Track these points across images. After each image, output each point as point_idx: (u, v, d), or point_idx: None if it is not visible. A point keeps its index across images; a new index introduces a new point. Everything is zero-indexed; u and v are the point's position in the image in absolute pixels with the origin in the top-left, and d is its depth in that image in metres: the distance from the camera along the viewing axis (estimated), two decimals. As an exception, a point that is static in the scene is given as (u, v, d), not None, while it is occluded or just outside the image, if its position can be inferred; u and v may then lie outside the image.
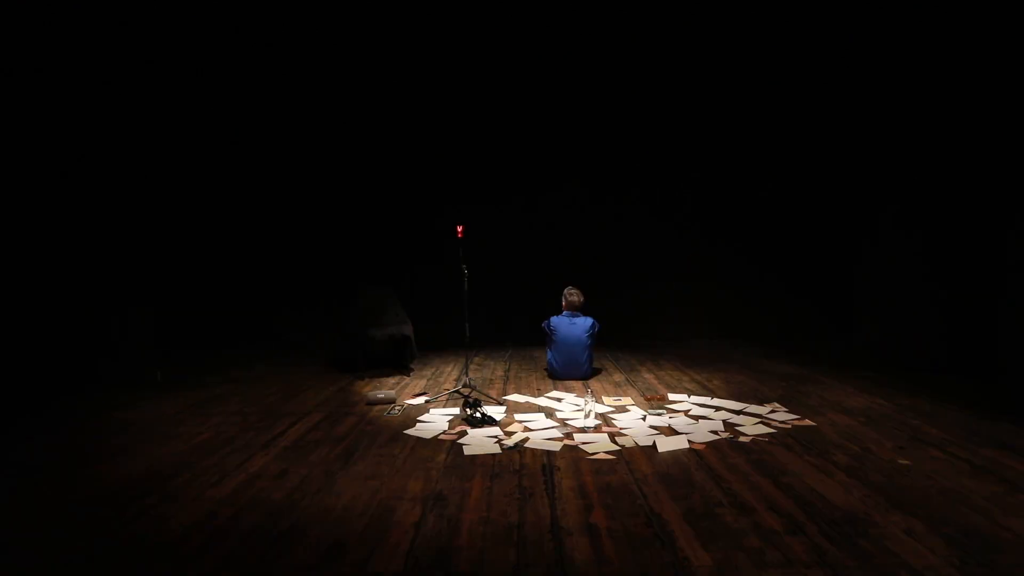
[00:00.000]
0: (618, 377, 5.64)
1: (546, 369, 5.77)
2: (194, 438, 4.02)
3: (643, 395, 4.92)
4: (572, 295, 5.57)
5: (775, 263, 7.60)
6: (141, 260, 5.94)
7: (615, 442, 3.76)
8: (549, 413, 4.43)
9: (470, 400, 4.52)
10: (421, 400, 4.90)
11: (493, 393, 5.07)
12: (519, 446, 3.72)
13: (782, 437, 3.84)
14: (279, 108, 7.44)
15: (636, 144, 7.55)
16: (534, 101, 7.47)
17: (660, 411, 4.39)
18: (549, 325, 5.54)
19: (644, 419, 4.24)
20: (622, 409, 4.51)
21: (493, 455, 3.59)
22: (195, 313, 7.55)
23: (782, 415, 4.28)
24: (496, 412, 4.45)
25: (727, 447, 3.67)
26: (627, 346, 7.23)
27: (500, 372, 5.97)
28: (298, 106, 7.44)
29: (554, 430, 4.02)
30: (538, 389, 5.21)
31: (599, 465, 3.40)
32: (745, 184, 7.55)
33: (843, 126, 7.25)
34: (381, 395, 4.82)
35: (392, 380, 5.68)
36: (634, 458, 3.50)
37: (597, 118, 7.51)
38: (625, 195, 7.64)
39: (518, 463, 3.45)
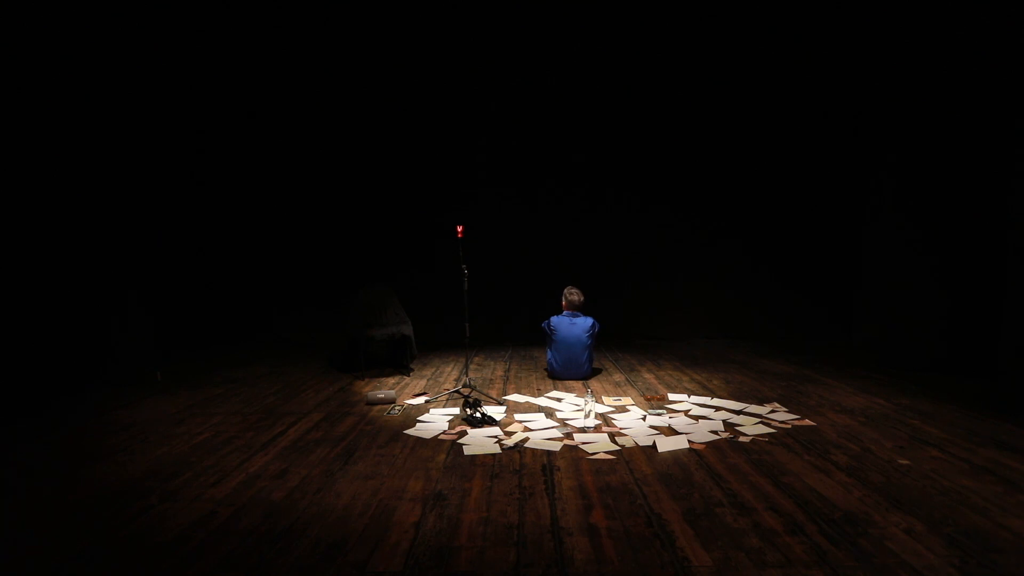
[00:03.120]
0: (618, 377, 5.64)
1: (546, 369, 5.77)
2: (194, 438, 4.02)
3: (643, 395, 4.92)
4: (572, 295, 5.56)
5: (775, 263, 7.60)
6: (142, 260, 5.95)
7: (615, 442, 3.76)
8: (549, 413, 4.44)
9: (470, 400, 4.52)
10: (421, 400, 4.90)
11: (493, 393, 5.07)
12: (519, 446, 3.72)
13: (782, 437, 3.84)
14: (279, 107, 7.45)
15: (635, 144, 7.55)
16: (535, 101, 7.48)
17: (660, 411, 4.39)
18: (549, 325, 5.54)
19: (644, 419, 4.24)
20: (622, 409, 4.51)
21: (493, 455, 3.59)
22: (195, 313, 7.57)
23: (782, 415, 4.28)
24: (496, 412, 4.45)
25: (727, 447, 3.67)
26: (627, 346, 7.24)
27: (500, 372, 5.97)
28: (298, 105, 7.45)
29: (554, 430, 4.02)
30: (538, 389, 5.21)
31: (599, 465, 3.40)
32: (745, 183, 7.55)
33: (843, 125, 7.25)
34: (381, 395, 4.82)
35: (392, 380, 5.68)
36: (634, 458, 3.50)
37: (595, 118, 7.51)
38: (625, 195, 7.64)
39: (518, 463, 3.45)
